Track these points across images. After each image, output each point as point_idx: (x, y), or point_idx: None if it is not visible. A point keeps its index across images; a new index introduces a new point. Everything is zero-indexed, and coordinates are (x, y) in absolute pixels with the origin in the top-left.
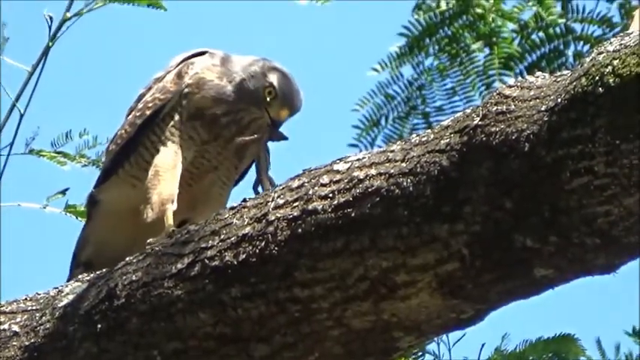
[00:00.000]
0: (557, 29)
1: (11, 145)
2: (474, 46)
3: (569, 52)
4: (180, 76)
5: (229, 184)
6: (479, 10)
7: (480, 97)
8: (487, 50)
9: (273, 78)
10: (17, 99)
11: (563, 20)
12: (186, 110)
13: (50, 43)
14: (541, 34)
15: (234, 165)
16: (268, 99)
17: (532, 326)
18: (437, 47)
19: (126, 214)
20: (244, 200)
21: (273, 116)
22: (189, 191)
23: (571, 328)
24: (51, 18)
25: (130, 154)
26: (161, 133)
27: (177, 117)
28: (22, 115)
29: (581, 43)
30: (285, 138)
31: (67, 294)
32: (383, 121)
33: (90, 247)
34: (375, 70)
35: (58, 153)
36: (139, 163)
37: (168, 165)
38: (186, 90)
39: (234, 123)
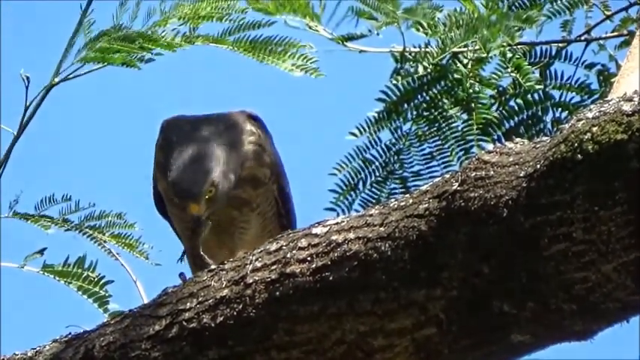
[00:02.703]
0: (536, 96)
1: None
2: (452, 112)
3: (548, 119)
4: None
5: (252, 224)
6: (457, 76)
7: (458, 163)
8: (465, 116)
9: (170, 188)
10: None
11: (541, 87)
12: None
13: (29, 105)
14: (519, 100)
15: (237, 213)
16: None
17: None
18: (415, 112)
19: None
20: (222, 263)
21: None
22: (222, 241)
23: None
24: (28, 78)
25: None
26: None
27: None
28: None
29: (560, 109)
30: (194, 237)
31: (45, 354)
32: (360, 186)
33: None
34: (353, 134)
35: (42, 217)
36: None
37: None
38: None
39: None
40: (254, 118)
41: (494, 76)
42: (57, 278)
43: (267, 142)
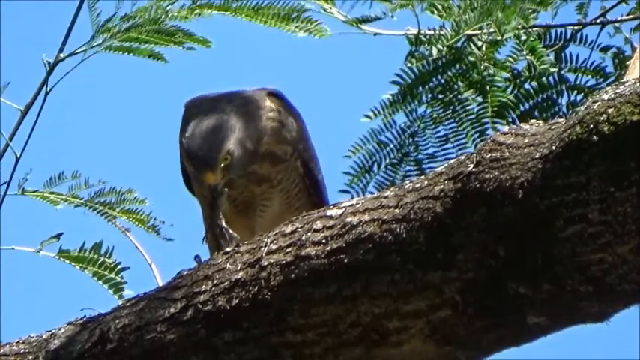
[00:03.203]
0: (551, 79)
1: (8, 186)
2: (466, 94)
3: (563, 102)
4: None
5: (273, 202)
6: (472, 59)
7: (473, 145)
8: (480, 99)
9: (186, 157)
10: (11, 139)
11: (556, 69)
12: None
13: (47, 88)
14: (534, 83)
15: (259, 190)
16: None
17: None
18: (430, 95)
19: None
20: (237, 245)
21: (205, 184)
22: (244, 219)
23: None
24: (49, 63)
25: None
26: None
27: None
28: (18, 159)
29: (575, 92)
30: (214, 208)
31: (60, 337)
32: (375, 168)
33: None
34: (368, 116)
35: (52, 193)
36: None
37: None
38: None
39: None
40: (275, 95)
41: (509, 59)
42: (73, 264)
43: (289, 119)
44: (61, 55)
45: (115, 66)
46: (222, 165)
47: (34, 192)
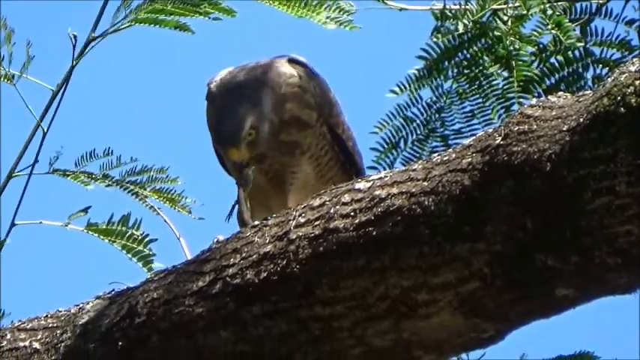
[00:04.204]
0: (576, 53)
1: (34, 164)
2: (492, 69)
3: (588, 76)
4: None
5: (302, 169)
6: (497, 34)
7: (499, 121)
8: (506, 73)
9: (212, 135)
10: (42, 118)
11: (582, 44)
12: None
13: (74, 63)
14: (560, 57)
15: (289, 160)
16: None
17: (550, 345)
18: (456, 70)
19: None
20: (265, 219)
21: (230, 160)
22: (276, 189)
23: (590, 347)
24: (75, 37)
25: None
26: None
27: None
28: (44, 134)
29: (600, 66)
30: (242, 184)
31: (88, 311)
32: (402, 144)
33: None
34: (394, 92)
35: (82, 173)
36: None
37: None
38: None
39: None
40: (295, 62)
41: (534, 33)
42: (101, 237)
43: (312, 85)
44: (93, 35)
45: (144, 42)
46: (247, 140)
47: (64, 172)
